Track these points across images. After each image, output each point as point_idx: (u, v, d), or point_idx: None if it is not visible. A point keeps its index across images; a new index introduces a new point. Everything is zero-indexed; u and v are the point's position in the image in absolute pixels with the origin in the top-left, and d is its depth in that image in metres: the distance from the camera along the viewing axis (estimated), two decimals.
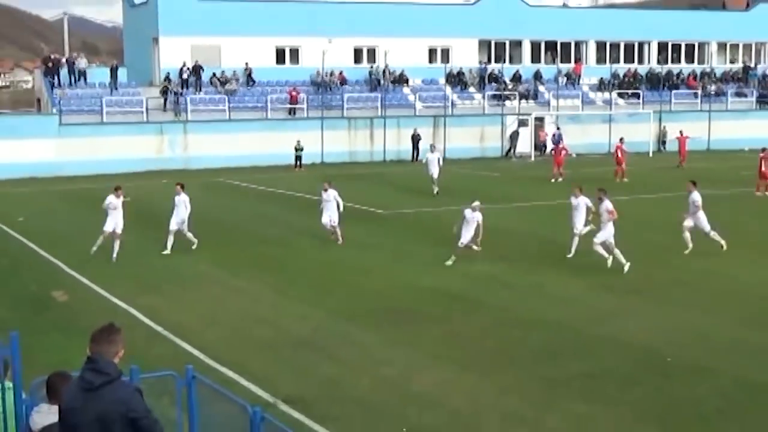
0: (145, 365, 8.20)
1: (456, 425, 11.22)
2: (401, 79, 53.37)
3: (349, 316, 16.33)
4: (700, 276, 19.58)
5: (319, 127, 48.46)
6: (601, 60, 59.58)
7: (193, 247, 22.40)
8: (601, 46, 60.01)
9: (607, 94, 56.77)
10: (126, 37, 59.20)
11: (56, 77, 47.45)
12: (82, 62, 49.79)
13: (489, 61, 56.62)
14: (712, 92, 57.68)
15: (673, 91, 57.76)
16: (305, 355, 14.02)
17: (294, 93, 49.41)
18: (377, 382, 12.74)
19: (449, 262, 20.52)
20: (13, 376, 7.87)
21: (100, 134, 44.37)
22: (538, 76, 56.32)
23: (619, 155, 38.90)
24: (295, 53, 52.54)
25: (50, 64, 48.28)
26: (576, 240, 21.13)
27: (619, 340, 14.64)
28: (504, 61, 56.69)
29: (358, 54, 53.96)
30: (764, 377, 12.77)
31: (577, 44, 59.40)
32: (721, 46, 63.26)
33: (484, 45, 57.21)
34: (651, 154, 51.46)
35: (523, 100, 53.97)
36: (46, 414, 6.79)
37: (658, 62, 59.76)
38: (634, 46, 60.80)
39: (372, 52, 53.88)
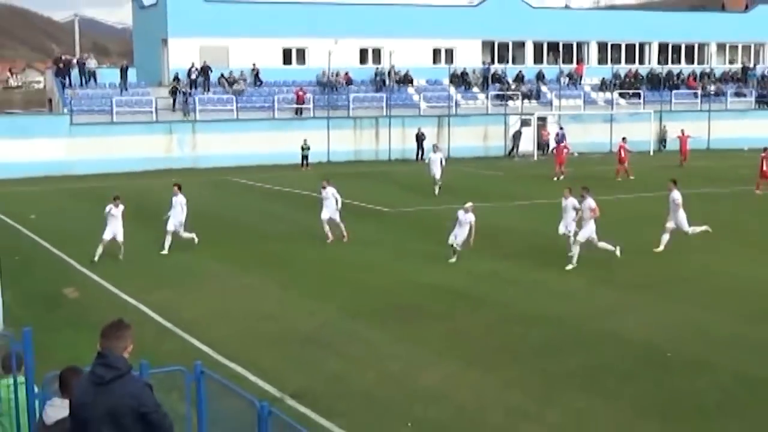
0: (155, 360, 8.31)
1: (461, 419, 11.31)
2: (406, 80, 53.54)
3: (355, 312, 16.45)
4: (700, 273, 19.68)
5: (325, 127, 48.66)
6: (602, 60, 59.76)
7: (195, 242, 22.47)
8: (602, 47, 60.15)
9: (608, 94, 56.95)
10: (136, 39, 59.43)
11: (67, 78, 47.73)
12: (92, 63, 50.07)
13: (492, 61, 56.76)
14: (712, 92, 57.77)
15: (674, 91, 57.92)
16: (312, 350, 14.14)
17: (300, 93, 49.60)
18: (383, 377, 12.86)
19: (453, 260, 20.69)
20: (25, 372, 7.98)
21: (111, 134, 44.68)
22: (540, 76, 56.48)
23: (622, 154, 39.17)
24: (301, 54, 52.75)
25: (61, 65, 48.56)
26: (571, 240, 21.23)
27: (619, 335, 14.75)
28: (507, 62, 56.91)
29: (363, 55, 54.14)
30: (764, 372, 12.83)
31: (579, 45, 59.52)
32: (721, 47, 63.34)
33: (488, 46, 57.36)
34: (651, 153, 51.51)
35: (526, 100, 54.05)
36: (59, 408, 6.84)
37: (659, 63, 59.93)
38: (634, 46, 60.91)
39: (377, 53, 54.02)
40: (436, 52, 55.80)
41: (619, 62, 59.43)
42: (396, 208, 30.17)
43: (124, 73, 48.64)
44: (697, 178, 37.05)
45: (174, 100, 47.39)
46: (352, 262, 21.13)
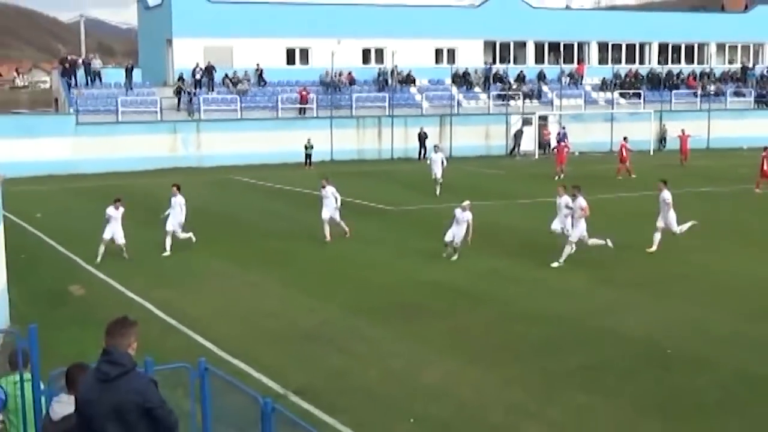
0: (160, 357, 8.42)
1: (462, 416, 11.35)
2: (408, 80, 53.67)
3: (357, 310, 16.51)
4: (700, 271, 19.71)
5: (328, 126, 48.81)
6: (603, 60, 59.92)
7: (193, 241, 22.47)
8: (603, 47, 60.28)
9: (608, 94, 57.08)
10: (140, 39, 59.71)
11: (73, 78, 47.95)
12: (97, 63, 50.29)
13: (494, 61, 56.92)
14: (712, 92, 57.87)
15: (674, 91, 58.05)
16: (314, 347, 14.21)
17: (304, 93, 49.75)
18: (385, 374, 12.92)
19: (454, 258, 20.79)
20: (31, 368, 8.04)
21: (116, 133, 44.88)
22: (541, 76, 56.61)
23: (624, 153, 39.38)
24: (305, 54, 52.88)
25: (67, 65, 48.78)
26: (569, 236, 21.32)
27: (619, 333, 14.79)
28: (508, 62, 57.05)
29: (366, 55, 54.26)
30: (764, 370, 12.86)
31: (580, 45, 59.64)
32: (720, 47, 63.44)
33: (489, 46, 57.49)
34: (652, 153, 51.57)
35: (527, 100, 54.18)
36: (66, 404, 6.92)
37: (659, 63, 60.09)
38: (635, 46, 61.04)
39: (380, 53, 54.15)
40: (438, 53, 55.94)
41: (620, 62, 59.56)
42: (398, 206, 30.24)
43: (129, 73, 48.83)
44: (697, 177, 37.18)
45: (178, 100, 47.59)
46: (354, 260, 21.20)
